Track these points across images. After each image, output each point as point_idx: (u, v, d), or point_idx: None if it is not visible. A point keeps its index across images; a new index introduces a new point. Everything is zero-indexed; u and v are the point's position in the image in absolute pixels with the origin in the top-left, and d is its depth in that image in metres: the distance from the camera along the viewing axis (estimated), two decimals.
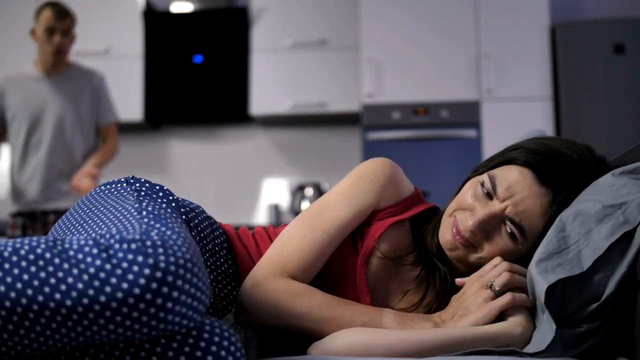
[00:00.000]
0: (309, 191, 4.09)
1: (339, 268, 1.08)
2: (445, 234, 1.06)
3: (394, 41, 3.74)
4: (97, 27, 4.13)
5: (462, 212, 1.05)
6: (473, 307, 0.96)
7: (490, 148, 3.50)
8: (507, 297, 0.94)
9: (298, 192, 4.12)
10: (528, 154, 1.01)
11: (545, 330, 0.90)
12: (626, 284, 0.90)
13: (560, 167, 1.00)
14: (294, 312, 0.97)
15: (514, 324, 0.94)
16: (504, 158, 1.05)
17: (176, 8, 4.23)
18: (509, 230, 1.00)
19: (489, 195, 1.02)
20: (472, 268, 1.06)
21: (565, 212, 0.97)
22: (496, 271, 0.98)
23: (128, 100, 4.05)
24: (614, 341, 0.93)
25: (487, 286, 0.97)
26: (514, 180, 1.00)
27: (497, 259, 1.00)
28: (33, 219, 3.03)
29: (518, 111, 3.61)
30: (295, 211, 4.10)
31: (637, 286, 0.89)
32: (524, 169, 1.01)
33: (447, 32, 3.72)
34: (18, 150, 3.04)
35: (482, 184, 1.03)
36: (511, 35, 3.67)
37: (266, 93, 4.01)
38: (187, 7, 4.21)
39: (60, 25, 2.99)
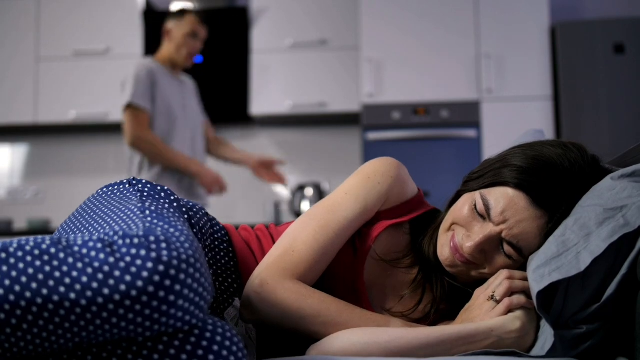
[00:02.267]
0: (309, 191, 4.09)
1: (337, 267, 1.09)
2: (444, 251, 1.06)
3: (394, 41, 3.74)
4: (97, 27, 4.13)
5: (459, 228, 1.05)
6: (477, 319, 0.98)
7: (490, 148, 3.50)
8: (505, 303, 0.96)
9: (298, 192, 4.12)
10: (519, 175, 0.99)
11: (547, 336, 0.91)
12: (626, 284, 0.90)
13: (554, 185, 0.98)
14: (303, 313, 0.97)
15: (512, 318, 0.95)
16: (496, 178, 1.03)
17: (176, 8, 4.22)
18: (505, 250, 1.01)
19: (484, 216, 1.02)
20: (475, 281, 1.07)
21: (566, 220, 0.97)
22: (497, 281, 0.99)
23: None
24: (614, 341, 0.93)
25: (489, 297, 0.98)
26: (507, 204, 0.99)
27: (505, 272, 1.00)
28: None
29: (518, 111, 3.61)
30: (296, 211, 4.10)
31: (638, 287, 0.89)
32: (516, 192, 0.99)
33: (447, 31, 3.72)
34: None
35: (476, 205, 1.03)
36: (511, 35, 3.67)
37: (266, 93, 4.01)
38: (187, 7, 4.21)
39: (201, 31, 3.06)
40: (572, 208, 0.98)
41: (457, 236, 1.04)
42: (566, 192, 0.99)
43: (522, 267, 1.01)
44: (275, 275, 1.00)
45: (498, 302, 0.97)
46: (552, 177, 0.99)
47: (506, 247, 1.00)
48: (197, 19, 3.04)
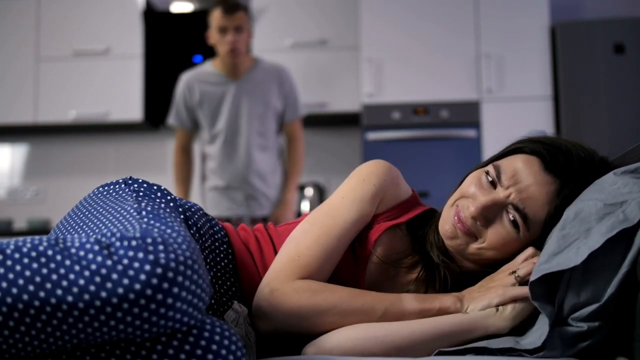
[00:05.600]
0: (309, 191, 4.09)
1: (338, 272, 1.09)
2: (446, 223, 1.06)
3: (394, 41, 3.74)
4: (97, 27, 4.13)
5: (465, 200, 1.06)
6: (493, 289, 0.98)
7: (490, 148, 3.50)
8: (523, 290, 0.95)
9: (298, 192, 4.12)
10: (535, 143, 1.03)
11: (543, 328, 0.91)
12: (627, 283, 0.90)
13: (567, 158, 1.01)
14: (319, 308, 0.97)
15: (507, 318, 0.96)
16: (510, 149, 1.07)
17: (176, 8, 4.23)
18: (511, 218, 1.00)
19: (493, 184, 1.03)
20: (473, 261, 1.06)
21: (567, 210, 0.98)
22: (523, 257, 1.00)
23: (128, 100, 4.06)
24: (614, 341, 0.93)
25: (512, 272, 0.99)
26: (520, 167, 1.02)
27: (532, 250, 1.00)
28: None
29: (518, 111, 3.61)
30: (296, 211, 4.10)
31: (638, 286, 0.89)
32: (530, 157, 1.02)
33: (447, 31, 3.72)
34: (216, 157, 3.00)
35: (487, 173, 1.04)
36: (511, 35, 3.67)
37: None
38: (187, 7, 4.21)
39: (231, 22, 2.87)
40: (579, 193, 0.99)
41: (461, 208, 1.05)
42: (577, 169, 1.01)
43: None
44: (284, 280, 1.00)
45: (518, 279, 0.97)
46: (566, 152, 1.02)
47: (511, 213, 1.00)
48: (222, 11, 2.88)
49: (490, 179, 1.03)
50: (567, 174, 1.00)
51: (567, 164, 1.01)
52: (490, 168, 1.04)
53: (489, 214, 1.01)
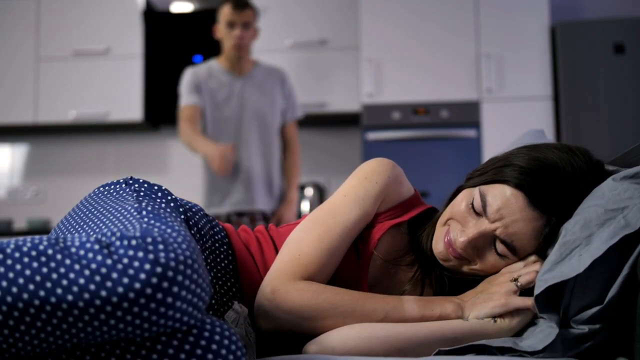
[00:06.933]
0: (309, 191, 4.09)
1: (341, 270, 1.09)
2: (438, 245, 1.07)
3: (394, 41, 3.74)
4: (97, 27, 4.13)
5: (455, 223, 1.05)
6: (494, 296, 0.98)
7: (490, 148, 3.50)
8: (527, 301, 0.96)
9: (298, 192, 4.12)
10: (520, 175, 1.00)
11: (548, 333, 0.91)
12: (628, 285, 0.90)
13: (553, 189, 0.98)
14: (320, 309, 0.97)
15: (508, 327, 0.97)
16: (497, 176, 1.03)
17: (176, 8, 4.22)
18: (499, 249, 1.01)
19: (480, 212, 1.02)
20: (467, 275, 1.07)
21: (567, 223, 0.97)
22: (527, 268, 0.99)
23: (128, 100, 4.05)
24: (614, 341, 0.93)
25: (513, 279, 0.98)
26: (505, 202, 0.99)
27: (534, 257, 1.01)
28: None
29: (518, 111, 3.61)
30: (296, 211, 4.10)
31: (638, 288, 0.89)
32: (515, 191, 0.99)
33: (447, 31, 3.72)
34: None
35: (474, 200, 1.03)
36: (511, 35, 3.67)
37: None
38: (187, 7, 4.21)
39: (239, 17, 2.97)
40: (572, 213, 0.98)
41: (451, 231, 1.05)
42: (566, 197, 0.99)
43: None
44: (285, 280, 1.00)
45: (519, 287, 0.97)
46: (552, 181, 0.99)
47: (499, 246, 1.01)
48: (232, 6, 2.97)
49: (476, 207, 1.02)
50: (553, 207, 0.98)
51: (554, 196, 0.98)
52: (476, 195, 1.03)
53: (478, 244, 1.02)
